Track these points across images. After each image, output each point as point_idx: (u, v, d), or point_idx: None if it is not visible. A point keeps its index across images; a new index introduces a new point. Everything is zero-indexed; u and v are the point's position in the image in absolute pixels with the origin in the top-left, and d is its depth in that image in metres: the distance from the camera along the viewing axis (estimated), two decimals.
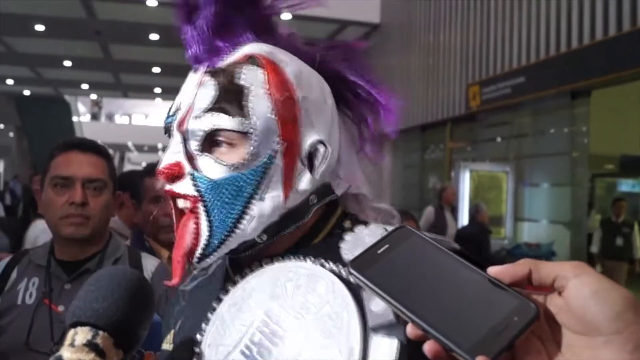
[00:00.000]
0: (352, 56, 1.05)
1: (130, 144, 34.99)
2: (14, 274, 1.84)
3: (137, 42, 13.54)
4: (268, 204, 0.90)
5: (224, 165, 0.89)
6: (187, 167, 0.90)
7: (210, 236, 0.90)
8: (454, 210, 8.44)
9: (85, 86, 20.05)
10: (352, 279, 0.63)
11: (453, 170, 9.86)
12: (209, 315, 0.95)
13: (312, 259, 0.90)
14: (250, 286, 0.92)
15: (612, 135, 9.61)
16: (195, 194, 0.89)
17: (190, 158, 0.91)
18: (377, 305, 0.79)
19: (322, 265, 0.89)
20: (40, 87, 20.14)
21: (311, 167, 0.94)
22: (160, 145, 34.37)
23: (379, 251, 0.63)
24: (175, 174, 0.90)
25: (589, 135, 7.44)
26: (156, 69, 16.20)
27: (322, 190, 0.96)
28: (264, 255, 0.95)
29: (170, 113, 0.96)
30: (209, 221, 0.89)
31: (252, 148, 0.88)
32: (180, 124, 0.92)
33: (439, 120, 10.11)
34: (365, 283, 0.61)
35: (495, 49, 8.55)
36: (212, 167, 0.89)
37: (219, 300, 0.95)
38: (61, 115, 22.02)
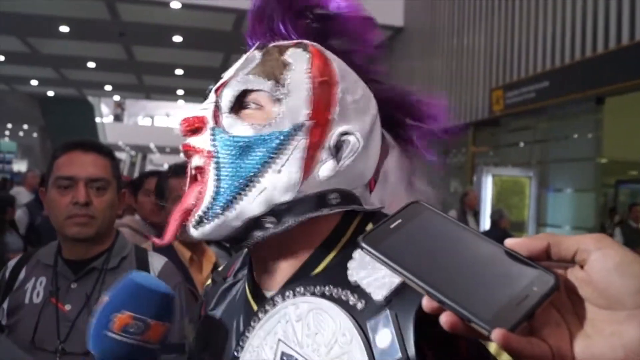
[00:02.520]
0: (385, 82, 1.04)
1: (152, 145, 35.24)
2: (22, 274, 1.86)
3: (160, 44, 13.62)
4: (283, 178, 0.86)
5: (247, 124, 0.87)
6: (210, 122, 0.89)
7: (214, 197, 0.86)
8: (477, 215, 8.38)
9: (108, 87, 20.23)
10: (364, 253, 0.59)
11: (475, 174, 9.79)
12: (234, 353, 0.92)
13: (321, 287, 0.85)
14: (264, 331, 0.88)
15: (637, 141, 9.49)
16: (211, 148, 0.87)
17: (216, 117, 0.89)
18: (383, 341, 0.76)
19: (330, 296, 0.84)
20: (64, 88, 20.36)
21: (337, 157, 0.90)
22: (181, 147, 34.55)
23: (392, 226, 0.60)
24: (195, 125, 0.89)
25: (613, 140, 7.35)
26: (179, 71, 16.29)
27: (347, 197, 0.91)
28: (281, 271, 0.91)
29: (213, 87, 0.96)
30: (217, 181, 0.86)
31: (280, 113, 0.86)
32: (219, 88, 0.92)
33: (461, 124, 10.05)
34: (377, 257, 0.58)
35: (520, 53, 8.47)
36: (235, 124, 0.87)
37: (241, 348, 0.91)
38: (84, 116, 22.24)
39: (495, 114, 9.02)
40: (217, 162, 0.86)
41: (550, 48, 7.78)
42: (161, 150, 36.96)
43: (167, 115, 40.70)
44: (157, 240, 0.90)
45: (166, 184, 2.61)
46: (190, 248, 2.56)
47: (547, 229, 8.74)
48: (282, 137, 0.86)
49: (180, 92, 20.27)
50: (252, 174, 0.85)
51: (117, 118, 37.60)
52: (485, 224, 8.43)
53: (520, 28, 8.42)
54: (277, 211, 0.87)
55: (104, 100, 27.59)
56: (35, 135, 27.70)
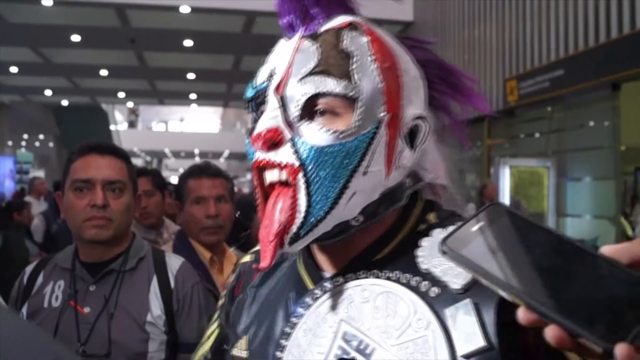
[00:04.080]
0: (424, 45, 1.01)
1: (167, 150, 35.44)
2: (40, 279, 1.87)
3: (171, 48, 13.66)
4: (370, 179, 0.85)
5: (329, 132, 0.82)
6: (287, 133, 0.84)
7: (308, 213, 0.83)
8: None
9: (121, 94, 20.32)
10: (447, 258, 0.56)
11: (492, 167, 9.73)
12: (283, 340, 0.89)
13: (387, 272, 0.84)
14: (323, 309, 0.86)
15: None
16: (296, 162, 0.83)
17: (289, 125, 0.84)
18: (463, 329, 0.74)
19: (398, 281, 0.83)
20: (77, 96, 20.50)
21: (412, 144, 0.89)
22: (196, 151, 34.74)
23: (473, 229, 0.57)
24: (274, 139, 0.83)
25: (631, 127, 7.26)
26: (191, 75, 16.33)
27: (415, 176, 0.91)
28: (342, 254, 0.89)
29: (260, 81, 0.90)
30: (308, 195, 0.83)
31: (359, 115, 0.83)
32: (278, 87, 0.86)
33: (476, 116, 9.98)
34: (462, 263, 0.54)
35: (532, 42, 8.39)
36: (316, 134, 0.83)
37: (293, 325, 0.89)
38: (99, 124, 22.37)
39: (510, 105, 8.94)
40: (306, 177, 0.83)
41: (564, 35, 7.70)
42: (176, 155, 37.18)
43: (181, 120, 40.91)
44: (257, 267, 0.86)
45: (185, 185, 2.60)
46: (210, 249, 2.56)
47: (567, 219, 8.67)
48: (367, 140, 0.83)
49: (193, 96, 20.31)
50: (342, 183, 0.83)
51: (132, 124, 37.86)
52: None
53: (532, 16, 8.34)
54: (365, 210, 0.86)
55: (118, 107, 27.77)
56: (51, 144, 27.88)
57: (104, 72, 16.20)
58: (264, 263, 0.83)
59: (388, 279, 0.83)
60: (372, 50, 0.86)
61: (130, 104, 28.32)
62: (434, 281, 0.80)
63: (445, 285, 0.79)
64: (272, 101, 0.86)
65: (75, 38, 12.81)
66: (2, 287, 2.30)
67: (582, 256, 0.52)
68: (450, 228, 0.74)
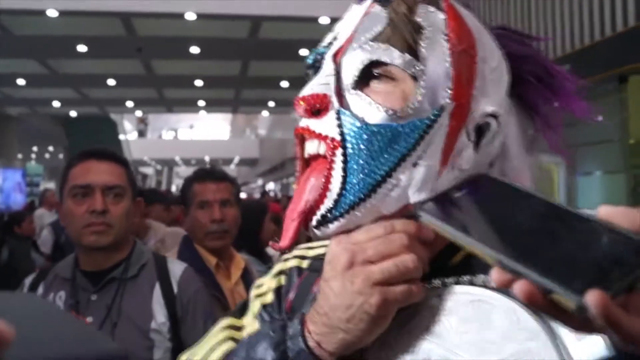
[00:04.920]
0: (524, 39, 0.91)
1: (177, 158, 35.56)
2: (40, 289, 1.85)
3: (178, 56, 13.68)
4: (420, 172, 0.73)
5: (382, 109, 0.73)
6: (334, 102, 0.75)
7: (341, 194, 0.73)
8: None
9: (130, 104, 20.39)
10: (422, 220, 0.52)
11: None
12: None
13: (471, 277, 0.72)
14: (400, 325, 0.73)
15: None
16: (338, 136, 0.73)
17: (340, 95, 0.76)
18: (578, 338, 0.61)
19: (486, 286, 0.70)
20: (86, 107, 20.56)
21: (477, 144, 0.77)
22: (207, 158, 34.83)
23: (456, 195, 0.55)
24: (318, 105, 0.75)
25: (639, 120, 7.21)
26: (199, 82, 16.36)
27: None
28: None
29: (324, 44, 0.82)
30: (344, 175, 0.73)
31: (419, 96, 0.73)
32: (337, 53, 0.78)
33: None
34: (437, 224, 0.52)
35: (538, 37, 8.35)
36: (366, 109, 0.73)
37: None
38: (108, 134, 22.45)
39: None
40: (345, 154, 0.73)
41: (569, 30, 7.66)
42: (186, 162, 37.27)
43: (191, 127, 41.03)
44: (276, 245, 0.77)
45: (190, 190, 2.59)
46: (216, 254, 2.53)
47: None
48: (423, 127, 0.73)
49: (201, 103, 20.35)
50: (386, 171, 0.72)
51: (141, 134, 38.00)
52: None
53: (537, 11, 8.30)
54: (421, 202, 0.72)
55: (127, 117, 27.87)
56: (61, 156, 28.04)
57: (111, 82, 16.25)
58: (283, 242, 0.75)
59: (473, 284, 0.72)
60: (447, 29, 0.76)
61: (138, 113, 28.43)
62: None
63: None
64: (327, 66, 0.78)
65: (82, 48, 12.85)
66: None
67: (571, 218, 0.50)
68: None
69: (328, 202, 0.74)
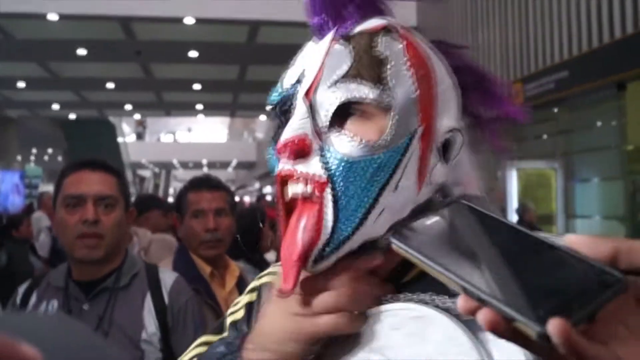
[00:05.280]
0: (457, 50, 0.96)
1: (175, 161, 35.54)
2: (33, 298, 1.86)
3: (176, 60, 13.71)
4: (401, 195, 0.78)
5: (361, 143, 0.76)
6: (316, 143, 0.78)
7: (334, 231, 0.76)
8: (503, 211, 8.28)
9: (128, 107, 20.40)
10: (393, 247, 0.53)
11: (499, 169, 9.69)
12: None
13: (420, 294, 0.78)
14: (350, 339, 0.79)
15: None
16: (324, 175, 0.76)
17: (318, 134, 0.78)
18: (503, 351, 0.67)
19: (433, 303, 0.76)
20: (85, 110, 20.58)
21: (445, 158, 0.83)
22: (204, 161, 34.82)
23: (428, 222, 0.56)
24: (301, 148, 0.77)
25: (637, 126, 7.21)
26: (197, 86, 16.39)
27: (444, 190, 0.84)
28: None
29: (288, 85, 0.84)
30: (335, 211, 0.76)
31: (392, 126, 0.77)
32: (307, 93, 0.80)
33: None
34: (408, 252, 0.53)
35: (536, 44, 8.37)
36: (345, 145, 0.77)
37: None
38: (107, 136, 22.44)
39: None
40: (333, 191, 0.76)
41: (567, 36, 7.68)
42: (184, 165, 37.26)
43: (189, 130, 41.02)
44: (280, 290, 0.77)
45: (185, 198, 2.59)
46: (210, 263, 2.53)
47: (576, 220, 8.62)
48: (400, 153, 0.78)
49: (199, 106, 20.36)
50: (372, 199, 0.76)
51: (140, 136, 37.97)
52: (512, 219, 8.34)
53: (535, 19, 8.32)
54: (393, 227, 0.77)
55: (126, 120, 27.87)
56: (60, 158, 28.03)
57: (110, 85, 16.28)
58: (287, 285, 0.76)
59: (421, 301, 0.77)
60: (407, 56, 0.81)
61: (137, 116, 28.42)
62: None
63: None
64: (300, 107, 0.80)
65: (82, 52, 12.88)
66: (6, 303, 2.30)
67: (539, 247, 0.51)
68: None
69: (323, 240, 0.76)
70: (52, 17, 10.49)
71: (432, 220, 0.56)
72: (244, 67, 14.21)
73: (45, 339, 0.49)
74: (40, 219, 8.78)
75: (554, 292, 0.46)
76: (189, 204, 2.55)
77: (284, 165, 0.79)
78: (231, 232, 2.57)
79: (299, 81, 0.83)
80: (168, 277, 1.94)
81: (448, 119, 0.83)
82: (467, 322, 0.71)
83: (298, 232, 0.77)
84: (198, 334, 1.79)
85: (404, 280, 0.82)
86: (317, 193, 0.77)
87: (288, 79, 0.85)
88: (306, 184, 0.78)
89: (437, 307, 0.75)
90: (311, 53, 0.84)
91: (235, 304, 1.04)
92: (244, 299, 1.03)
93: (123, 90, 17.14)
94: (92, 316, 1.77)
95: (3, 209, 15.59)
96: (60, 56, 13.44)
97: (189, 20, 10.87)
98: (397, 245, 0.54)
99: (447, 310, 0.74)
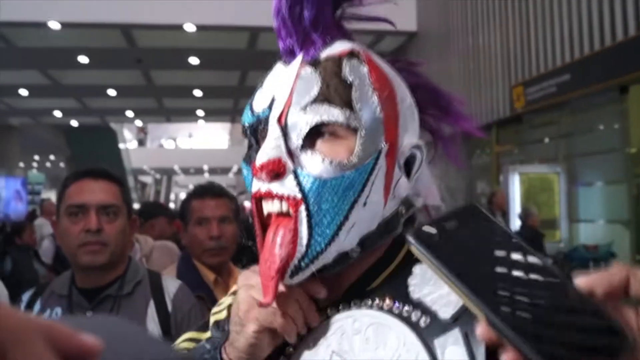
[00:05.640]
0: (414, 68, 1.03)
1: (176, 167, 35.58)
2: (37, 306, 1.87)
3: (177, 67, 13.74)
4: (369, 209, 0.85)
5: (332, 163, 0.82)
6: (290, 164, 0.83)
7: (309, 245, 0.82)
8: (505, 215, 8.26)
9: (130, 113, 20.42)
10: (413, 250, 0.53)
11: (501, 174, 9.68)
12: None
13: (380, 301, 0.84)
14: (314, 343, 0.86)
15: None
16: (299, 195, 0.82)
17: (291, 155, 0.84)
18: (452, 355, 0.73)
19: (390, 311, 0.82)
20: (86, 117, 20.61)
21: (407, 173, 0.90)
22: (205, 167, 34.84)
23: (447, 227, 0.54)
24: (278, 170, 0.82)
25: None
26: (197, 92, 16.40)
27: (407, 202, 0.91)
28: (336, 284, 0.89)
29: (260, 108, 0.89)
30: (310, 227, 0.82)
31: (360, 146, 0.83)
32: (280, 117, 0.85)
33: (483, 124, 9.94)
34: (426, 257, 0.52)
35: (537, 47, 8.36)
36: (318, 165, 0.82)
37: (288, 357, 0.89)
38: (108, 143, 22.50)
39: (517, 111, 8.90)
40: (307, 209, 0.82)
41: (569, 40, 7.67)
42: (185, 171, 37.31)
43: (190, 136, 41.07)
44: (261, 302, 0.83)
45: (188, 206, 2.59)
46: (214, 270, 2.53)
47: (580, 224, 8.59)
48: (368, 171, 0.84)
49: (200, 112, 20.38)
50: (344, 215, 0.83)
51: (141, 143, 38.04)
52: (516, 224, 8.32)
53: (536, 22, 8.32)
54: (363, 240, 0.86)
55: (127, 126, 27.91)
56: (62, 165, 28.07)
57: (112, 92, 16.29)
58: (267, 299, 0.81)
59: (380, 309, 0.83)
60: (371, 79, 0.86)
61: (138, 123, 28.47)
62: (425, 310, 0.79)
63: (435, 314, 0.78)
64: (273, 130, 0.85)
65: (83, 59, 12.91)
66: None
67: (551, 279, 0.50)
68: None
69: (299, 254, 0.82)
70: (54, 25, 10.51)
71: (450, 225, 0.55)
72: (244, 73, 14.23)
73: (108, 335, 0.49)
74: (42, 225, 8.80)
75: (569, 343, 0.46)
76: (193, 212, 2.54)
77: (260, 186, 0.85)
78: (235, 240, 2.57)
79: (271, 105, 0.87)
80: (171, 284, 1.94)
81: (410, 136, 0.90)
82: (422, 330, 0.77)
83: (275, 247, 0.82)
84: None
85: (369, 288, 0.87)
86: (292, 211, 0.82)
87: (258, 102, 0.90)
88: (281, 202, 0.83)
89: (396, 314, 0.81)
90: (281, 77, 0.90)
91: (219, 304, 1.09)
92: (227, 300, 1.07)
93: (124, 97, 17.17)
94: None
95: (4, 216, 15.59)
96: (61, 64, 13.48)
97: (190, 27, 10.89)
98: (417, 248, 0.53)
99: (404, 318, 0.80)
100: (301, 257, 0.82)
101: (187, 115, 21.89)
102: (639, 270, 0.49)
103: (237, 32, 11.21)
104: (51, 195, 22.66)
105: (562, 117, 8.69)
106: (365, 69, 0.87)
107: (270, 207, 0.85)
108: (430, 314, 0.78)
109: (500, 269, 0.51)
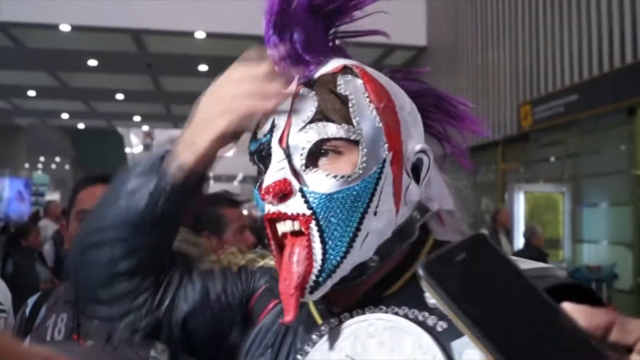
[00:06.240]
0: (414, 76, 1.05)
1: None
2: (42, 311, 1.87)
3: (186, 73, 13.77)
4: (381, 218, 0.86)
5: (336, 178, 0.84)
6: (295, 184, 0.85)
7: (324, 260, 0.83)
8: (509, 234, 8.23)
9: (137, 118, 20.48)
10: (423, 285, 0.53)
11: (506, 192, 9.66)
12: None
13: (395, 307, 0.85)
14: (329, 345, 0.87)
15: None
16: (308, 212, 0.83)
17: (296, 175, 0.86)
18: (471, 357, 0.73)
19: (406, 316, 0.83)
20: (93, 120, 20.67)
21: (416, 179, 0.91)
22: (210, 174, 34.82)
23: (456, 259, 0.54)
24: (284, 191, 0.84)
25: None
26: None
27: (422, 208, 0.92)
28: (353, 290, 0.89)
29: (262, 134, 0.91)
30: (323, 242, 0.83)
31: (363, 158, 0.85)
32: (281, 139, 0.87)
33: (490, 141, 9.94)
34: (437, 293, 0.52)
35: (546, 66, 8.37)
36: (323, 182, 0.84)
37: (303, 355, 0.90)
38: (114, 147, 22.54)
39: (524, 130, 8.90)
40: (318, 225, 0.84)
41: (578, 60, 7.67)
42: None
43: None
44: (282, 320, 0.86)
45: (224, 216, 2.48)
46: None
47: (583, 245, 8.56)
48: (373, 182, 0.85)
49: None
50: (355, 226, 0.84)
51: (147, 147, 38.06)
52: (519, 242, 8.29)
53: (546, 41, 8.32)
54: (380, 249, 0.87)
55: (133, 131, 27.94)
56: (67, 167, 28.13)
57: (119, 96, 16.35)
58: (289, 316, 0.83)
59: (395, 314, 0.84)
60: (367, 91, 0.88)
61: (145, 128, 28.52)
62: (441, 316, 0.80)
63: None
64: (276, 153, 0.87)
65: (92, 63, 12.96)
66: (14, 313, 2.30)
67: (549, 312, 0.50)
68: None
69: (316, 270, 0.83)
70: (65, 27, 10.56)
71: (459, 257, 0.54)
72: None
73: None
74: (47, 227, 8.82)
75: None
76: (230, 222, 2.46)
77: (269, 208, 0.87)
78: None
79: (272, 129, 0.89)
80: None
81: (414, 141, 0.91)
82: (438, 333, 0.78)
83: (292, 265, 0.84)
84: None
85: (385, 294, 0.88)
86: (303, 228, 0.84)
87: (260, 129, 0.92)
88: (293, 221, 0.85)
89: (411, 319, 0.82)
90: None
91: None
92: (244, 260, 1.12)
93: (132, 102, 17.23)
94: (102, 331, 1.77)
95: (5, 216, 15.61)
96: (70, 66, 13.54)
97: (200, 35, 10.93)
98: (429, 283, 0.53)
99: (420, 322, 0.81)
100: (318, 273, 0.83)
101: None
102: (628, 321, 0.49)
103: (247, 41, 11.16)
104: (55, 197, 22.71)
105: (569, 137, 8.68)
106: (359, 82, 0.88)
107: (283, 227, 0.86)
108: (447, 319, 0.77)
109: (503, 305, 0.51)
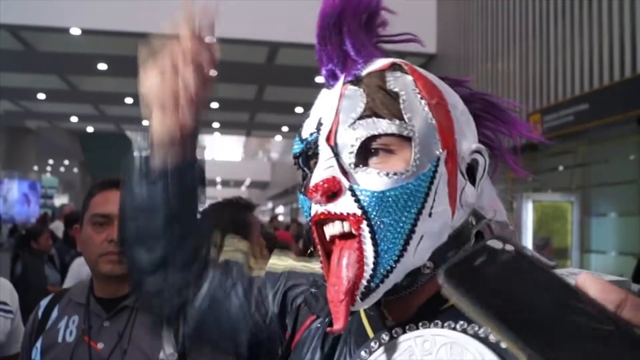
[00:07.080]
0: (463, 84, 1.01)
1: None
2: (54, 313, 1.89)
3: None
4: (437, 220, 0.81)
5: (388, 175, 0.79)
6: (345, 182, 0.80)
7: (376, 264, 0.78)
8: None
9: (146, 122, 20.50)
10: (443, 292, 0.51)
11: (515, 201, 9.62)
12: None
13: (452, 322, 0.79)
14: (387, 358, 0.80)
15: None
16: (359, 211, 0.78)
17: (345, 173, 0.81)
18: None
19: (464, 331, 0.77)
20: (102, 124, 20.75)
21: (472, 180, 0.87)
22: (218, 179, 34.91)
23: (477, 262, 0.51)
24: (333, 189, 0.79)
25: None
26: (214, 104, 16.47)
27: (477, 214, 0.87)
28: (408, 302, 0.84)
29: (308, 133, 0.87)
30: (375, 245, 0.78)
31: (416, 155, 0.80)
32: (329, 137, 0.83)
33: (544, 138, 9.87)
34: (462, 301, 0.49)
35: (556, 75, 8.35)
36: (374, 179, 0.79)
37: None
38: (123, 151, 22.56)
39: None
40: (370, 225, 0.78)
41: (588, 69, 7.64)
42: None
43: (204, 148, 41.26)
44: (331, 329, 0.81)
45: (248, 221, 2.50)
46: None
47: (591, 255, 8.52)
48: (428, 179, 0.80)
49: (215, 124, 20.46)
50: (409, 228, 0.79)
51: None
52: None
53: (556, 50, 8.30)
54: (435, 255, 0.82)
55: (142, 135, 28.13)
56: (75, 170, 28.25)
57: (129, 100, 16.40)
58: (338, 325, 0.77)
59: (453, 329, 0.78)
60: (418, 88, 0.84)
61: None
62: None
63: None
64: (324, 151, 0.83)
65: (102, 66, 13.02)
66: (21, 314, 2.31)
67: (580, 305, 0.48)
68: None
69: (367, 274, 0.78)
70: (75, 31, 10.62)
71: (479, 260, 0.52)
72: (261, 87, 14.29)
73: None
74: (58, 228, 8.94)
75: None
76: (254, 227, 2.48)
77: (317, 209, 0.82)
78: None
79: (319, 128, 0.85)
80: None
81: (468, 141, 0.87)
82: (502, 349, 0.72)
83: (341, 270, 0.79)
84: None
85: (442, 308, 0.82)
86: (354, 229, 0.79)
87: (306, 129, 0.88)
88: (342, 222, 0.80)
89: (471, 335, 0.76)
90: (326, 100, 0.88)
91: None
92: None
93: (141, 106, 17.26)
94: (112, 333, 1.80)
95: (9, 218, 15.66)
96: (80, 70, 13.61)
97: (207, 39, 10.94)
98: (450, 292, 0.50)
99: (481, 338, 0.75)
100: (370, 278, 0.78)
101: (203, 126, 21.54)
102: (638, 300, 0.48)
103: (256, 46, 11.27)
104: (64, 200, 22.79)
105: (578, 147, 8.65)
106: (409, 78, 0.85)
107: (331, 229, 0.82)
108: None
109: (533, 306, 0.48)
